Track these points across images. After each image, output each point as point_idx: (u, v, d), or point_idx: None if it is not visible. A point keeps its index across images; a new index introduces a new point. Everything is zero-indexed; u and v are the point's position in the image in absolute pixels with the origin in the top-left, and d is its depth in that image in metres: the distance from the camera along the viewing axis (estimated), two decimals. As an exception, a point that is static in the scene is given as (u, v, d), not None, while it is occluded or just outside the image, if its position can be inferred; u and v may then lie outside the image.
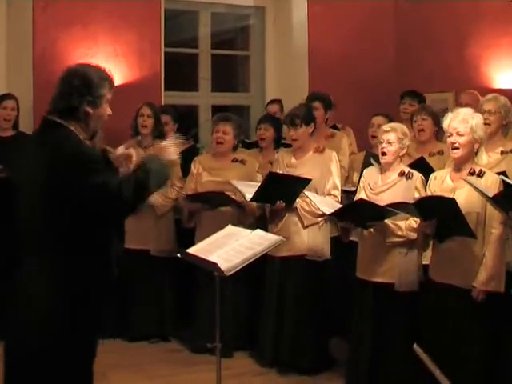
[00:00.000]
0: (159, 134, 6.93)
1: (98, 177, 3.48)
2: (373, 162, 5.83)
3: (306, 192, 5.81)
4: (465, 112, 4.97)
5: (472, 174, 4.91)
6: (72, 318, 3.52)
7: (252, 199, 6.00)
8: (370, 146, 6.78)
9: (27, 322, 3.55)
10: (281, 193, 5.94)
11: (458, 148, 4.90)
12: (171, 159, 3.78)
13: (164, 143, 3.84)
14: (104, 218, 3.59)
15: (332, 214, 5.60)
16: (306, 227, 6.06)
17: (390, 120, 6.54)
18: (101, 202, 3.50)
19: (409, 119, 6.82)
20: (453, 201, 4.74)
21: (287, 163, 6.19)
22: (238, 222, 6.03)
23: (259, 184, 5.99)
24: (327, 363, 6.19)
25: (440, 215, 4.82)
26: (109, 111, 3.75)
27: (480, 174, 4.89)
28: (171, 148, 3.79)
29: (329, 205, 5.72)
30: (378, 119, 6.73)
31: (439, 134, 6.23)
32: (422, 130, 6.38)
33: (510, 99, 5.97)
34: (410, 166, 5.72)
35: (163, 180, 3.74)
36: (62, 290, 3.51)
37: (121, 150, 3.97)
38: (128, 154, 3.91)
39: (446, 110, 6.96)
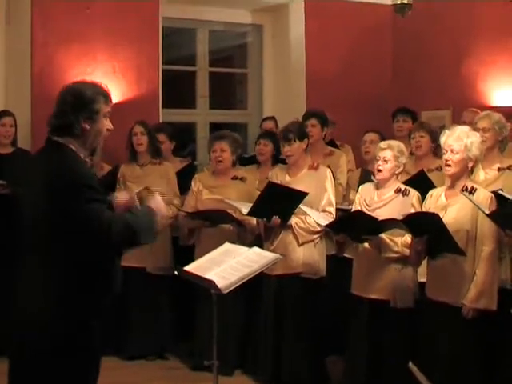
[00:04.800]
0: (155, 151, 6.96)
1: (92, 205, 3.47)
2: (373, 178, 5.85)
3: (302, 206, 5.80)
4: (461, 130, 4.98)
5: (464, 191, 4.91)
6: (69, 334, 3.50)
7: (249, 213, 6.00)
8: (366, 163, 6.80)
9: (24, 333, 3.54)
10: (277, 207, 5.93)
11: (450, 165, 4.91)
12: (161, 214, 3.78)
13: (156, 199, 3.83)
14: (93, 246, 3.57)
15: (328, 226, 5.60)
16: (301, 244, 6.05)
17: (382, 137, 6.57)
18: (90, 231, 3.48)
19: (404, 137, 6.84)
20: (436, 217, 4.75)
21: (281, 181, 6.18)
22: (238, 240, 6.05)
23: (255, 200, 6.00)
24: (324, 380, 6.17)
25: (428, 232, 4.84)
26: (109, 125, 3.72)
27: (472, 191, 4.88)
28: (161, 204, 3.81)
29: (325, 219, 5.73)
30: (369, 136, 6.76)
31: (437, 150, 6.23)
32: (420, 146, 6.41)
33: (506, 116, 5.98)
34: (410, 180, 5.73)
35: (151, 232, 3.68)
36: (57, 302, 3.50)
37: (124, 196, 3.93)
38: (131, 203, 3.87)
39: (442, 128, 6.97)
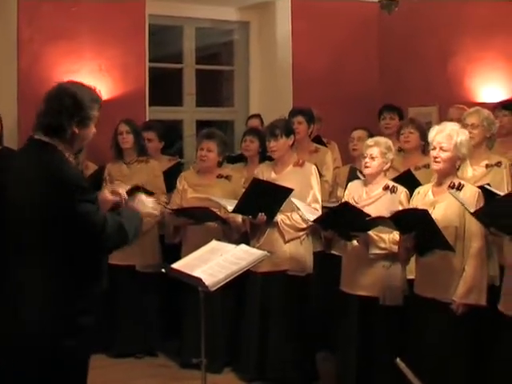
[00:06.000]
0: (141, 149, 6.93)
1: (86, 206, 3.50)
2: (360, 175, 5.85)
3: (292, 198, 5.79)
4: (451, 128, 4.96)
5: (452, 187, 4.92)
6: (69, 334, 3.51)
7: (234, 210, 5.99)
8: (353, 160, 6.80)
9: (14, 335, 3.52)
10: (262, 203, 5.92)
11: (439, 162, 4.92)
12: (147, 213, 3.85)
13: (141, 198, 3.88)
14: (86, 246, 3.58)
15: (316, 221, 5.59)
16: (287, 242, 6.05)
17: (370, 133, 6.58)
18: (85, 231, 3.51)
19: (392, 134, 6.86)
20: (426, 213, 4.76)
21: (267, 177, 6.16)
22: (224, 238, 6.04)
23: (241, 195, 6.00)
24: (313, 377, 6.18)
25: (417, 228, 4.84)
26: (93, 130, 3.73)
27: (459, 187, 4.89)
28: (148, 202, 3.86)
29: (312, 213, 5.73)
30: (357, 133, 6.77)
31: (425, 148, 6.24)
32: (408, 141, 6.42)
33: (493, 113, 6.00)
34: (397, 178, 5.73)
35: (137, 234, 3.81)
36: (57, 302, 3.50)
37: (108, 194, 3.93)
38: (118, 200, 3.89)
39: (429, 124, 6.99)
